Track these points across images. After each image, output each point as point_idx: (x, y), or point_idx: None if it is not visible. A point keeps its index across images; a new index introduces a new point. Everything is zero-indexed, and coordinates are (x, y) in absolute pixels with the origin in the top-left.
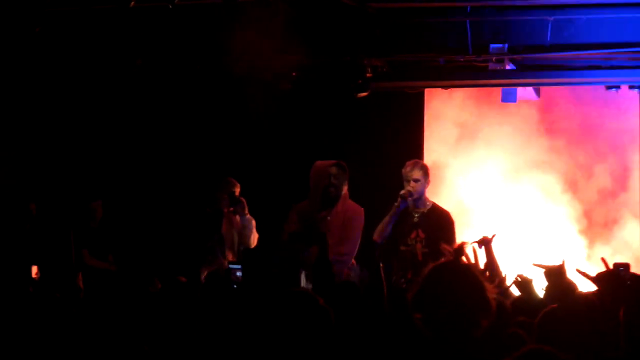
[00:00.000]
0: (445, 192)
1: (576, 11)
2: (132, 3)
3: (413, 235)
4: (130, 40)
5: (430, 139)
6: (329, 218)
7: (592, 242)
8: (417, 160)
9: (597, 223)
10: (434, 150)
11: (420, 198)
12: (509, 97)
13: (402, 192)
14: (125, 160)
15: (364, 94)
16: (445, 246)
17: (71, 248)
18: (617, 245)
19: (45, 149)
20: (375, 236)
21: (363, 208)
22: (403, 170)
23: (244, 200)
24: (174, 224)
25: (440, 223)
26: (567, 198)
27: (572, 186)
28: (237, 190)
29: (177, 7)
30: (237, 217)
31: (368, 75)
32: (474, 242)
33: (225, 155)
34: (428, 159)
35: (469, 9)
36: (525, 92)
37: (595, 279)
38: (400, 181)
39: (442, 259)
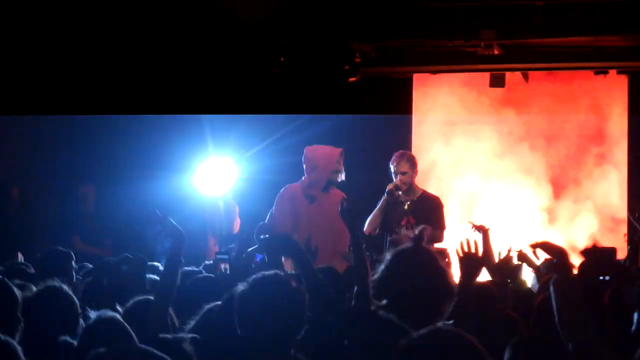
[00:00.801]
0: (433, 176)
1: None
2: None
3: (404, 222)
4: (117, 26)
5: (418, 123)
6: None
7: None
8: (403, 151)
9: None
10: (422, 135)
11: (410, 187)
12: (497, 82)
13: (390, 186)
14: (115, 144)
15: (353, 78)
16: (405, 232)
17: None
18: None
19: (32, 132)
20: (366, 229)
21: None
22: (390, 164)
23: None
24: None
25: (430, 208)
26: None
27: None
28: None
29: None
30: (221, 203)
31: (357, 60)
32: (473, 228)
33: (213, 140)
34: (416, 144)
35: None
36: (513, 77)
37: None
38: (387, 165)
39: (403, 245)
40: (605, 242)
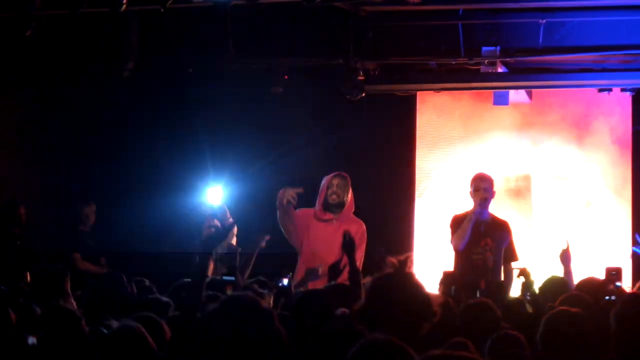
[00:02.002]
0: (437, 196)
1: (568, 14)
2: (124, 7)
3: (482, 243)
4: (121, 43)
5: (422, 142)
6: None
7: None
8: (483, 173)
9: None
10: (425, 153)
11: (487, 208)
12: (501, 100)
13: (480, 197)
14: (118, 163)
15: (356, 97)
16: (390, 259)
17: (60, 252)
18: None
19: (36, 152)
20: (455, 243)
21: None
22: (472, 180)
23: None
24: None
25: (503, 232)
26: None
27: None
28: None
29: (169, 10)
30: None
31: (360, 78)
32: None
33: (216, 158)
34: (420, 162)
35: (461, 11)
36: (517, 95)
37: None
38: (392, 184)
39: (384, 271)
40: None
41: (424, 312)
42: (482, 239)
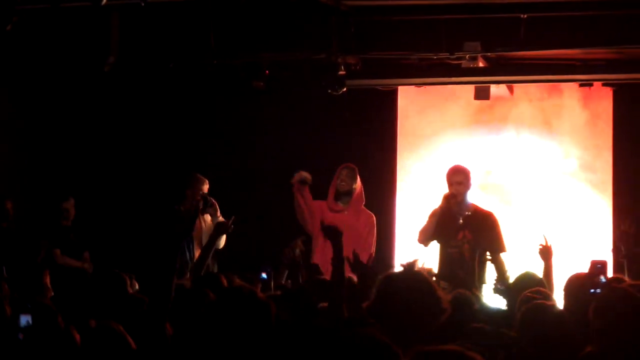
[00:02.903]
0: (418, 190)
1: (549, 8)
2: (105, 1)
3: (460, 236)
4: (102, 38)
5: (403, 136)
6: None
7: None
8: (459, 164)
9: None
10: (407, 148)
11: (464, 200)
12: (482, 95)
13: (446, 193)
14: (98, 158)
15: (338, 91)
16: (402, 264)
17: (40, 247)
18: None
19: (18, 146)
20: (419, 238)
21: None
22: (446, 174)
23: (215, 202)
24: (145, 223)
25: (485, 223)
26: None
27: (549, 185)
28: (206, 188)
29: (149, 4)
30: (208, 218)
31: (342, 73)
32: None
33: (197, 153)
34: (401, 157)
35: (442, 6)
36: (498, 90)
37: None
38: (373, 179)
39: (395, 270)
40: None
41: (433, 309)
42: (460, 231)
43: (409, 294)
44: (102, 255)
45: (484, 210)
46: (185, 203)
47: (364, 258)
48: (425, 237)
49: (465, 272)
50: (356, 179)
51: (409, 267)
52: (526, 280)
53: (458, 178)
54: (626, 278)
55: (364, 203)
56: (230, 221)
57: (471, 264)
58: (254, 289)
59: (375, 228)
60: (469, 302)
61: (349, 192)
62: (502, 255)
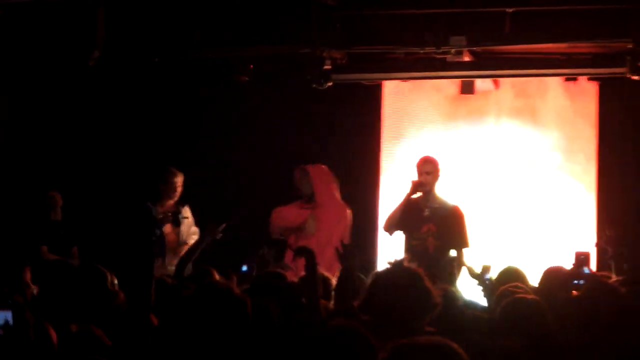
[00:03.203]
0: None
1: (535, 2)
2: None
3: (425, 229)
4: (87, 32)
5: (388, 131)
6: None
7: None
8: (429, 155)
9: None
10: (391, 142)
11: (431, 192)
12: (467, 89)
13: (415, 180)
14: (83, 152)
15: (323, 86)
16: (389, 262)
17: (22, 243)
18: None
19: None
20: (385, 225)
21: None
22: (416, 164)
23: (188, 216)
24: (119, 218)
25: (451, 217)
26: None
27: (533, 179)
28: (180, 180)
29: None
30: (185, 229)
31: (327, 67)
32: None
33: (182, 147)
34: (385, 151)
35: (427, 0)
36: (483, 84)
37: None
38: (357, 173)
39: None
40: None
41: (425, 303)
42: (425, 224)
43: (401, 289)
44: (90, 251)
45: (450, 204)
46: (162, 197)
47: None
48: (389, 225)
49: (429, 265)
50: (308, 177)
51: (398, 264)
52: (509, 275)
53: (427, 168)
54: (613, 276)
55: (334, 195)
56: (221, 227)
57: (435, 257)
58: (229, 284)
59: (349, 219)
60: (454, 297)
61: (308, 196)
62: (465, 251)
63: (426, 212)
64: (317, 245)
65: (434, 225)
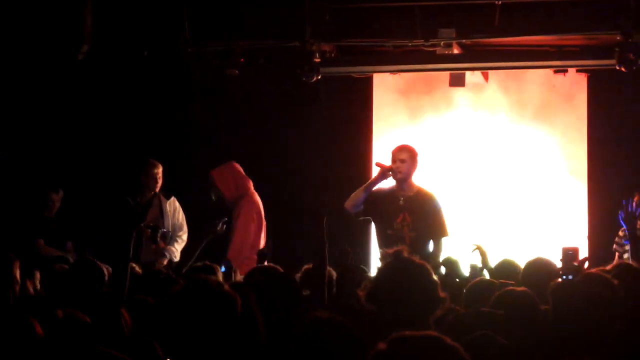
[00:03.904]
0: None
1: None
2: None
3: (399, 219)
4: (75, 26)
5: (378, 123)
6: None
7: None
8: (407, 144)
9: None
10: (382, 135)
11: (406, 181)
12: (457, 82)
13: (385, 165)
14: (73, 147)
15: (313, 79)
16: (385, 250)
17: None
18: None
19: None
20: (348, 204)
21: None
22: (392, 151)
23: (165, 231)
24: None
25: (426, 206)
26: (518, 183)
27: (524, 172)
28: (160, 171)
29: None
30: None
31: (316, 60)
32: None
33: (172, 141)
34: (377, 144)
35: None
36: (473, 77)
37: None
38: (349, 165)
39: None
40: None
41: (429, 297)
42: (400, 213)
43: (408, 281)
44: (84, 246)
45: (426, 191)
46: (142, 190)
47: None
48: (350, 203)
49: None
50: (215, 184)
51: (400, 255)
52: (505, 268)
53: (402, 156)
54: (632, 262)
55: (240, 192)
56: (221, 222)
57: (413, 248)
58: (219, 280)
59: (244, 209)
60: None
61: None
62: (445, 239)
63: (401, 201)
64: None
65: (408, 215)
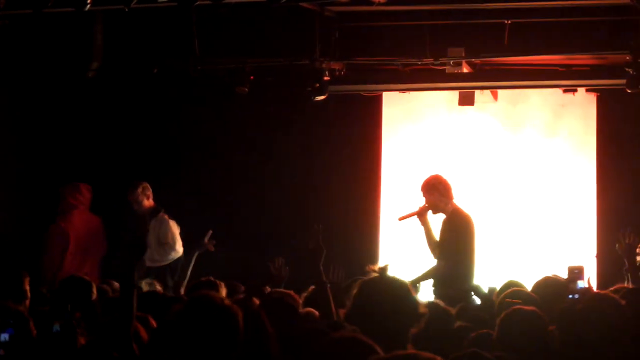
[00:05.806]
0: (402, 194)
1: (533, 14)
2: (89, 6)
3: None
4: (85, 43)
5: (388, 142)
6: None
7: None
8: (424, 179)
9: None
10: (391, 153)
11: (440, 208)
12: (466, 100)
13: (415, 210)
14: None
15: (322, 97)
16: (370, 267)
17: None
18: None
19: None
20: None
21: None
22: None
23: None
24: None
25: (446, 224)
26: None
27: (532, 191)
28: (138, 192)
29: (133, 10)
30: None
31: (326, 78)
32: None
33: (180, 158)
34: (386, 162)
35: (426, 12)
36: (482, 96)
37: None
38: (358, 183)
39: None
40: None
41: (409, 314)
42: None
43: (387, 299)
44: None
45: (457, 212)
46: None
47: None
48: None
49: None
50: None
51: (383, 272)
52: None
53: (422, 191)
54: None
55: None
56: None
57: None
58: (221, 297)
59: None
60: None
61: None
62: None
63: (441, 225)
64: None
65: (440, 235)
